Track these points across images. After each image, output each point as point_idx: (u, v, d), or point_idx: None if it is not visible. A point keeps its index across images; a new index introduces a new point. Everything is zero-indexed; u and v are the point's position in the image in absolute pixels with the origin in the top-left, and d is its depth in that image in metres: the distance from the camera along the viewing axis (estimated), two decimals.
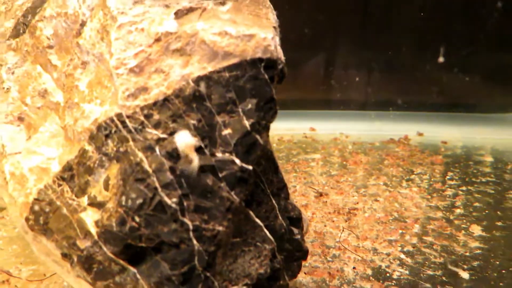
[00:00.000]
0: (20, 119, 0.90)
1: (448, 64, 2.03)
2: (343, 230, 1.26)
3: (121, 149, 0.67)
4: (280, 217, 0.75)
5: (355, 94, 2.21)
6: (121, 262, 0.68)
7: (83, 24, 0.81)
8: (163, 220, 0.64)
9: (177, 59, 0.69)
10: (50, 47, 0.88)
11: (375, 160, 1.81)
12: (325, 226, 1.30)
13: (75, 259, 0.72)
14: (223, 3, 0.75)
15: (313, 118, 2.16)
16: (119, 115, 0.68)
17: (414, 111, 2.24)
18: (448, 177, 1.64)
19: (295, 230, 0.77)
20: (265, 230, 0.73)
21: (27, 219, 0.75)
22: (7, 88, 0.94)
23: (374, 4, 2.05)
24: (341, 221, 1.32)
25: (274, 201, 0.75)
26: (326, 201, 1.44)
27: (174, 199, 0.63)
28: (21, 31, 1.01)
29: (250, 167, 0.68)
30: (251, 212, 0.72)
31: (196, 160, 0.65)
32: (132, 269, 0.68)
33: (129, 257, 0.68)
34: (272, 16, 0.76)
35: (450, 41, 2.00)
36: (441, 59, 2.01)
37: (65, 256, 0.74)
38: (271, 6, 0.78)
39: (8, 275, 1.08)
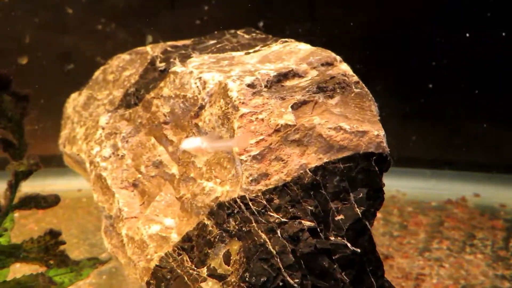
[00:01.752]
0: (135, 185, 1.00)
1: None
2: None
3: (244, 229, 0.75)
4: None
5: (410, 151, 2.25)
6: None
7: (201, 107, 0.91)
8: None
9: (294, 149, 0.78)
10: (166, 123, 0.99)
11: (435, 221, 1.84)
12: None
13: None
14: (331, 97, 0.84)
15: None
16: (242, 198, 0.77)
17: (470, 171, 2.27)
18: (511, 244, 1.65)
19: None
20: None
21: (148, 283, 0.84)
22: (122, 156, 1.05)
23: None
24: (410, 287, 1.35)
25: (372, 279, 0.81)
26: (393, 265, 1.48)
27: (296, 280, 0.70)
28: (133, 103, 1.13)
29: (359, 250, 0.75)
30: None
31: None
32: None
33: None
34: (374, 109, 0.85)
35: None
36: None
37: None
38: (373, 98, 0.86)
39: None
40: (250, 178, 0.77)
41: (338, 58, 0.93)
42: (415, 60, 2.02)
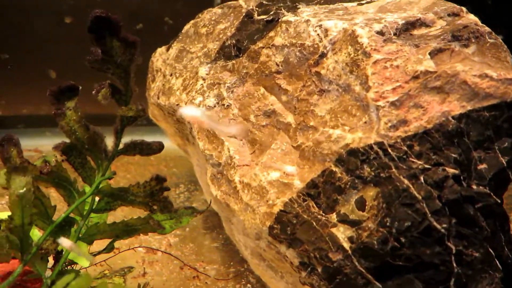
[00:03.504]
0: None
1: None
2: None
3: (382, 175, 0.75)
4: (506, 249, 0.80)
5: None
6: (369, 276, 0.75)
7: (322, 55, 0.90)
8: (427, 243, 0.71)
9: (434, 96, 0.76)
10: (279, 72, 0.97)
11: None
12: None
13: (319, 269, 0.80)
14: (467, 46, 0.81)
15: None
16: (380, 144, 0.76)
17: None
18: None
19: None
20: (496, 260, 0.78)
21: (271, 228, 0.84)
22: (228, 105, 1.05)
23: None
24: None
25: (500, 233, 0.80)
26: None
27: (444, 225, 0.70)
28: (233, 54, 1.12)
29: (499, 201, 0.73)
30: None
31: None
32: (378, 284, 0.75)
33: (377, 272, 0.75)
34: (510, 60, 0.82)
35: None
36: None
37: (302, 264, 0.83)
38: (508, 49, 0.83)
39: (196, 271, 1.18)
40: (389, 124, 0.76)
41: (464, 8, 0.90)
42: None
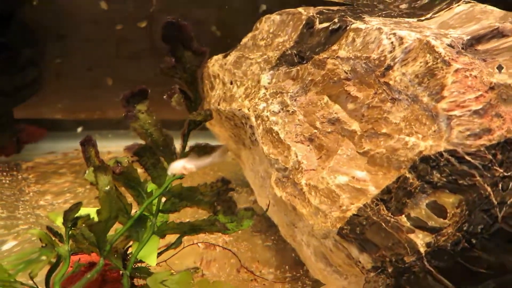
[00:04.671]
0: (310, 140, 1.03)
1: None
2: None
3: (463, 182, 0.77)
4: None
5: None
6: (438, 276, 0.78)
7: (388, 68, 0.92)
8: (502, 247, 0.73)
9: (509, 107, 0.78)
10: (348, 79, 1.00)
11: None
12: None
13: (390, 269, 0.82)
14: None
15: None
16: (451, 151, 0.79)
17: None
18: None
19: None
20: None
21: (341, 228, 0.87)
22: (292, 112, 1.08)
23: None
24: None
25: None
26: None
27: None
28: (296, 61, 1.15)
29: None
30: None
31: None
32: (447, 282, 0.78)
33: (445, 271, 0.78)
34: None
35: None
36: None
37: (375, 268, 0.85)
38: None
39: (253, 275, 1.21)
40: (468, 133, 0.78)
41: None
42: None
